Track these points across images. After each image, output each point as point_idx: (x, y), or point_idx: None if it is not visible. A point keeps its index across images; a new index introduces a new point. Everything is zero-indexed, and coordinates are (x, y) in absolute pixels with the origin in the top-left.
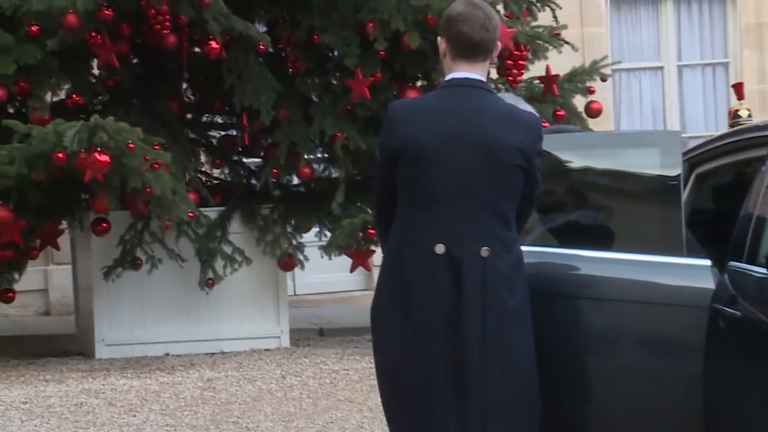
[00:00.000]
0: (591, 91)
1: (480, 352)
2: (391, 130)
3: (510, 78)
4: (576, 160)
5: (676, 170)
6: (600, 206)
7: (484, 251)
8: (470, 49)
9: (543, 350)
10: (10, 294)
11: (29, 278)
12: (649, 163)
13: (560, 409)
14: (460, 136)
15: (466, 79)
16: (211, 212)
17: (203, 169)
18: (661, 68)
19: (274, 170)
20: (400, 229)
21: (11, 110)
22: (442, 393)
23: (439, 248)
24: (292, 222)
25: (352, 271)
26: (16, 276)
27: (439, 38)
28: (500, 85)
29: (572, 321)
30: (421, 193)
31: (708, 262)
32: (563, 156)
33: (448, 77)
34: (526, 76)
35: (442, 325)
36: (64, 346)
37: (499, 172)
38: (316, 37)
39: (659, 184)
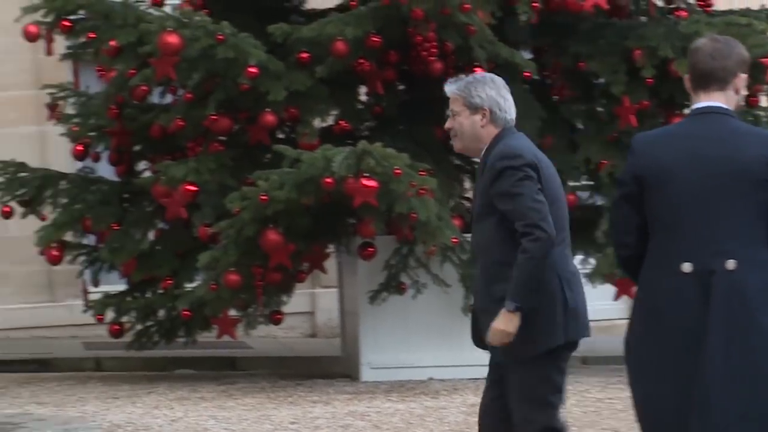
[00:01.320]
0: None
1: (723, 366)
2: (634, 160)
3: None
4: None
5: None
6: None
7: (731, 264)
8: (701, 79)
9: None
10: (279, 316)
11: (297, 301)
12: None
13: None
14: (702, 156)
15: (708, 107)
16: None
17: (467, 195)
18: None
19: None
20: (649, 256)
21: (281, 136)
22: (691, 416)
23: (686, 267)
24: None
25: (616, 299)
26: (285, 298)
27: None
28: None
29: None
30: (666, 216)
31: None
32: None
33: (692, 107)
34: None
35: (691, 345)
36: (330, 368)
37: (747, 189)
38: (582, 64)
39: None
